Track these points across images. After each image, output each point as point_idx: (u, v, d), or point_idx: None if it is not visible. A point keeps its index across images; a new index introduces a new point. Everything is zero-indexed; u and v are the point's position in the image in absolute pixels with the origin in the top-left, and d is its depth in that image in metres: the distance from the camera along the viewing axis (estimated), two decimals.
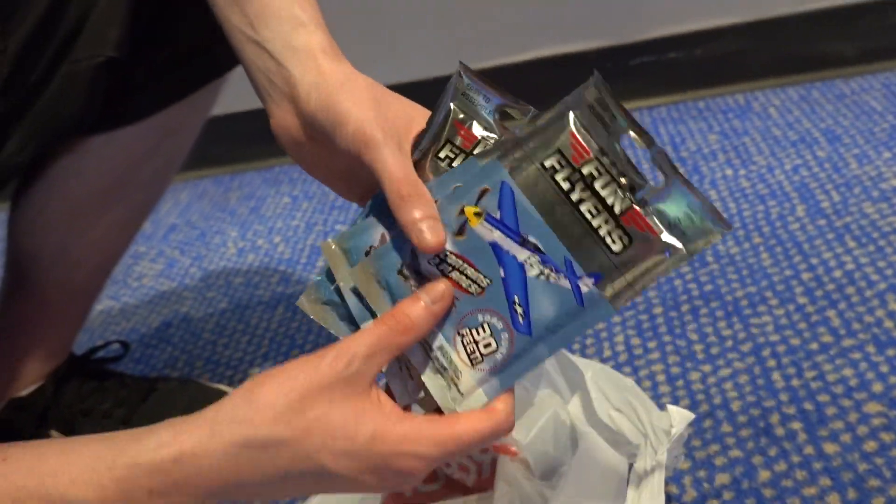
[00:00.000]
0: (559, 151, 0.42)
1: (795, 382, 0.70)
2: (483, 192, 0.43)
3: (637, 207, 0.41)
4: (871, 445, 0.63)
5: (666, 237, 0.41)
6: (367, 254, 0.45)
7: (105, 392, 0.81)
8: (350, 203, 1.23)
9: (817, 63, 1.25)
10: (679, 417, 0.60)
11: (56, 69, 0.57)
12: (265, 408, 0.39)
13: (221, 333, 1.00)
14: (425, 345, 0.43)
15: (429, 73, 1.23)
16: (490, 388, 0.43)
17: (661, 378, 0.74)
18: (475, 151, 0.45)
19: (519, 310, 0.42)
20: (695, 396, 0.71)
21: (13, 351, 0.79)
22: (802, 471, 0.62)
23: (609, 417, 0.60)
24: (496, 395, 0.43)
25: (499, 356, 0.43)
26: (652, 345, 0.79)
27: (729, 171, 1.06)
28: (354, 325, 0.45)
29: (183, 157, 0.79)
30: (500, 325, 0.42)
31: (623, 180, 0.42)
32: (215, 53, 0.70)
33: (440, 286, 0.42)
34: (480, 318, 0.43)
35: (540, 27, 1.29)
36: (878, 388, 0.68)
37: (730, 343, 0.77)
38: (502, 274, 0.42)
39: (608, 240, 0.42)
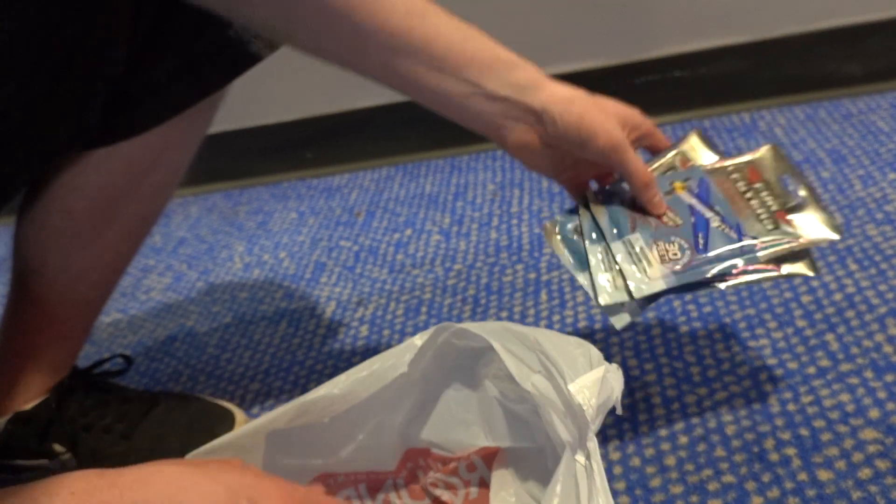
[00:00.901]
0: (740, 170, 0.68)
1: (791, 407, 0.70)
2: (687, 178, 0.68)
3: (783, 211, 0.65)
4: (865, 473, 0.63)
5: (797, 230, 0.64)
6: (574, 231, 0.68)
7: (107, 407, 0.82)
8: (354, 219, 1.24)
9: (824, 82, 1.24)
10: (590, 381, 0.51)
11: (57, 89, 0.58)
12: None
13: (225, 348, 1.01)
14: (629, 245, 0.64)
15: None
16: (668, 280, 0.63)
17: (656, 400, 0.74)
18: None
19: (701, 241, 0.64)
20: (690, 419, 0.71)
21: (17, 364, 0.80)
22: (795, 497, 0.62)
23: (532, 385, 0.52)
24: (671, 286, 0.62)
25: (680, 263, 0.63)
26: (649, 366, 0.79)
27: None
28: (576, 254, 0.66)
29: (184, 171, 0.80)
30: (685, 245, 0.64)
31: (778, 195, 0.66)
32: (214, 66, 0.72)
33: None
34: (673, 237, 0.65)
35: (544, 46, 1.29)
36: (874, 414, 0.68)
37: (727, 366, 0.76)
38: (693, 220, 0.65)
39: (764, 222, 0.65)
